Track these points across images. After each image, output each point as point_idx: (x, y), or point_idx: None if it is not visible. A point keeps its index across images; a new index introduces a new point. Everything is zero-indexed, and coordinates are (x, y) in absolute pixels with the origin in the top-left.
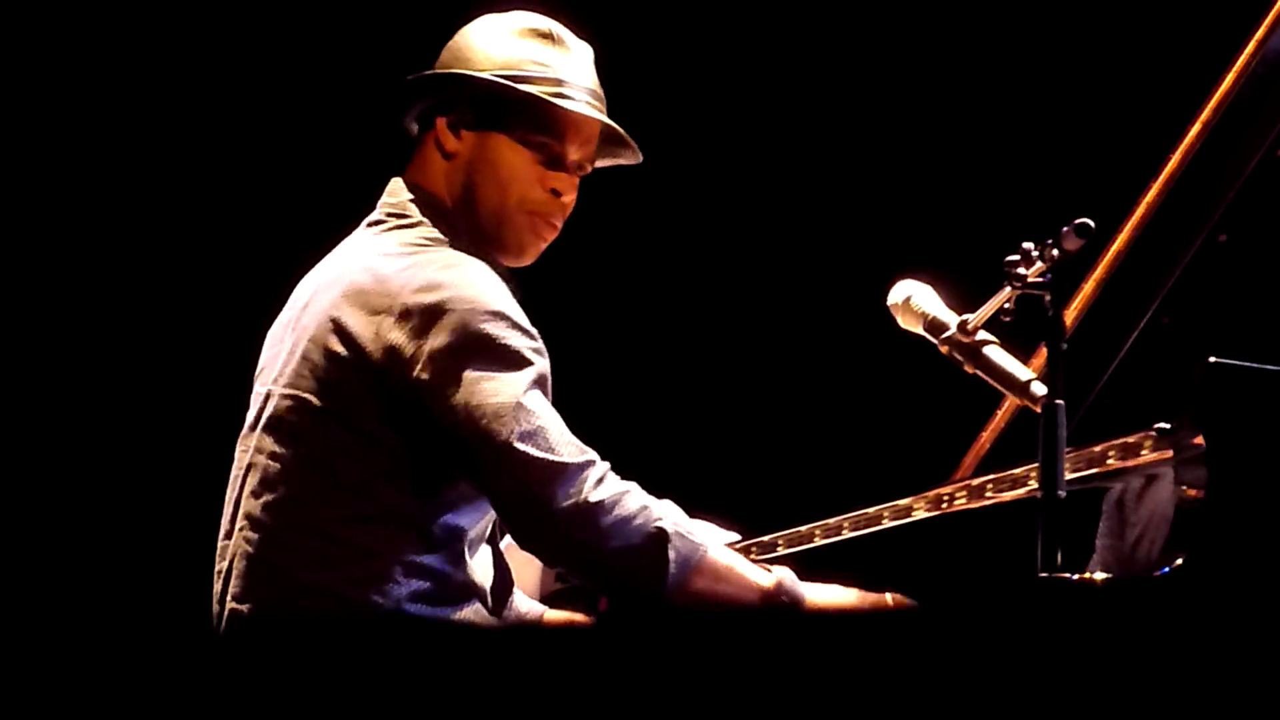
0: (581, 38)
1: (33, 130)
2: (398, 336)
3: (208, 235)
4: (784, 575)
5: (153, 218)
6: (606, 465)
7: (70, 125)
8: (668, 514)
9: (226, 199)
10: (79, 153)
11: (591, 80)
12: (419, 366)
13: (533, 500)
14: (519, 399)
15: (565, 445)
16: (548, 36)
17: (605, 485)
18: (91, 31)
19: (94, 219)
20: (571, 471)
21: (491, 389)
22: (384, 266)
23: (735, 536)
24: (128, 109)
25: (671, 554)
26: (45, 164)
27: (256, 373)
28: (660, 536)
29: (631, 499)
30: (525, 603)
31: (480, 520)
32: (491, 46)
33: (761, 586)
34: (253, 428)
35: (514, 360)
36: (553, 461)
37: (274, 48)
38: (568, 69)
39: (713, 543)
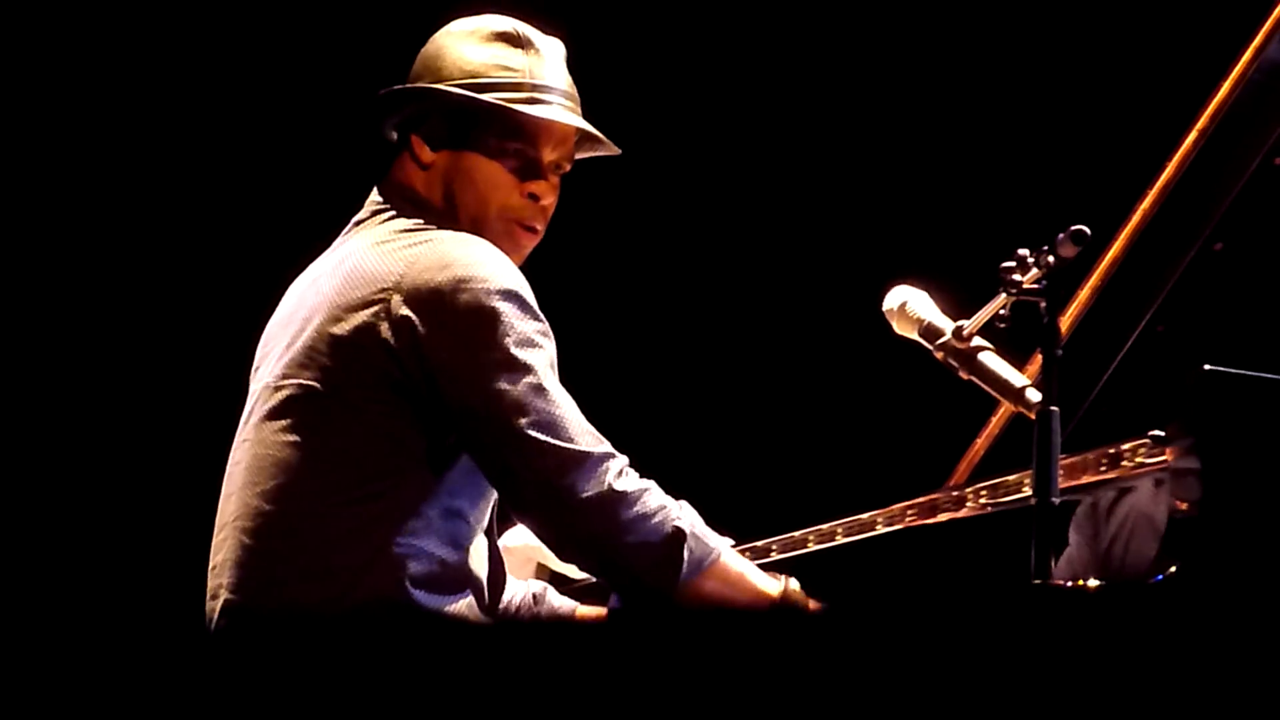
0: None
1: (36, 155)
2: (408, 314)
3: (200, 238)
4: (791, 584)
5: (145, 220)
6: (625, 459)
7: (68, 135)
8: (685, 515)
9: (218, 202)
10: (75, 159)
11: (562, 79)
12: (432, 346)
13: (552, 490)
14: (536, 385)
15: (584, 435)
16: (514, 39)
17: (626, 479)
18: (88, 52)
19: (89, 218)
20: (592, 462)
21: (508, 375)
22: (386, 249)
23: (728, 541)
24: (120, 114)
25: (686, 554)
26: (47, 180)
27: (251, 373)
28: (677, 536)
29: (652, 496)
30: (557, 598)
31: (480, 504)
32: (459, 55)
33: (769, 594)
34: (248, 422)
35: (529, 343)
36: (573, 451)
37: (259, 49)
38: (537, 71)
39: (726, 548)
